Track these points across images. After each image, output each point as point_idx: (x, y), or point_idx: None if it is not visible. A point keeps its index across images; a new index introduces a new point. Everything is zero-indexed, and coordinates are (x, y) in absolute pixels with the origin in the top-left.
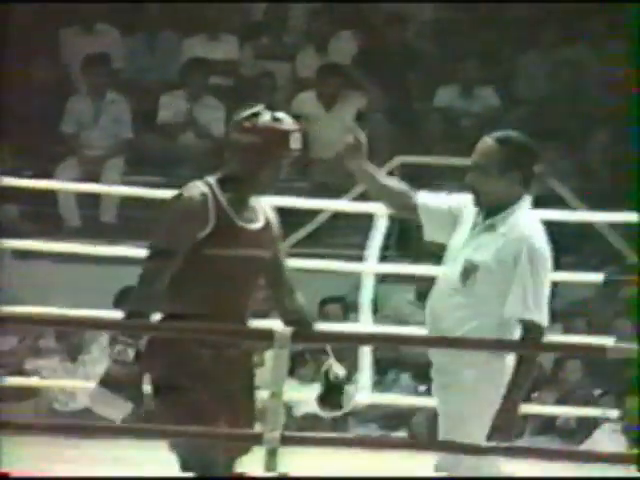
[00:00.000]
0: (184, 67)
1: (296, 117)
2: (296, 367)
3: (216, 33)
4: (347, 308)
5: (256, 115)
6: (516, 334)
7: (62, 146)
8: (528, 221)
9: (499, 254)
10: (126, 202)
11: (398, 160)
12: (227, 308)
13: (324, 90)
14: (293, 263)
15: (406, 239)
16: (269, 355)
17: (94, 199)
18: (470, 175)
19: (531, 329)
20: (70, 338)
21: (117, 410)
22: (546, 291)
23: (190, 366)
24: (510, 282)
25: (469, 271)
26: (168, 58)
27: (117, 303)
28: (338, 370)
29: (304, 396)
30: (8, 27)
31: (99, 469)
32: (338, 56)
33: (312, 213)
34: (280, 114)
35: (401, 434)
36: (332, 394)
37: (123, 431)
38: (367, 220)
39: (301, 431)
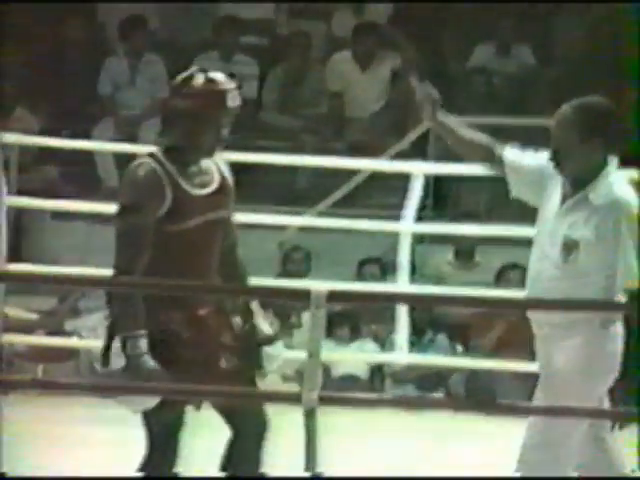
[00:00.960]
0: (216, 26)
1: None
2: (333, 328)
3: None
4: (385, 269)
5: (190, 78)
6: None
7: (99, 107)
8: (620, 187)
9: (598, 227)
10: None
11: None
12: (197, 274)
13: (360, 50)
14: (331, 223)
15: (443, 199)
16: (306, 316)
17: (131, 159)
18: (552, 146)
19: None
20: None
21: (146, 401)
22: None
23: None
24: (614, 252)
25: (570, 248)
26: (203, 18)
27: None
28: (264, 328)
29: (341, 357)
30: None
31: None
32: (374, 15)
33: (348, 173)
34: (214, 74)
35: (438, 395)
36: (253, 354)
37: (166, 391)
38: (404, 180)
39: (339, 392)
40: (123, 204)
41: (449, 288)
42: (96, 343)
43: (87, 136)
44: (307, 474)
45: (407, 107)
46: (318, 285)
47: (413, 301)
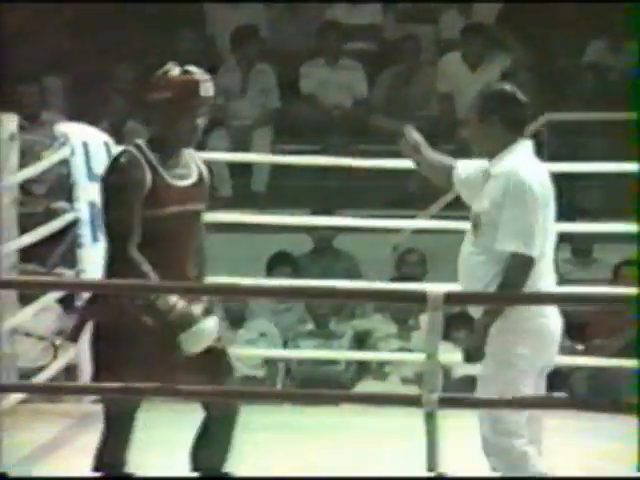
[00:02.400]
0: (320, 32)
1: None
2: (451, 330)
3: None
4: None
5: (166, 72)
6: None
7: (211, 117)
8: (516, 160)
9: (492, 197)
10: (276, 170)
11: (545, 118)
12: (174, 262)
13: (469, 50)
14: (445, 225)
15: (557, 197)
16: (423, 318)
17: (245, 168)
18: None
19: (514, 259)
20: (234, 305)
21: (212, 335)
22: (534, 222)
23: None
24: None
25: (476, 221)
26: (311, 25)
27: (269, 270)
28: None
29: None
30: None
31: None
32: (482, 16)
33: None
34: (189, 67)
35: (560, 394)
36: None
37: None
38: None
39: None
40: (106, 187)
41: (567, 286)
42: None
43: (201, 147)
44: (430, 475)
45: None
46: (434, 287)
47: (530, 301)
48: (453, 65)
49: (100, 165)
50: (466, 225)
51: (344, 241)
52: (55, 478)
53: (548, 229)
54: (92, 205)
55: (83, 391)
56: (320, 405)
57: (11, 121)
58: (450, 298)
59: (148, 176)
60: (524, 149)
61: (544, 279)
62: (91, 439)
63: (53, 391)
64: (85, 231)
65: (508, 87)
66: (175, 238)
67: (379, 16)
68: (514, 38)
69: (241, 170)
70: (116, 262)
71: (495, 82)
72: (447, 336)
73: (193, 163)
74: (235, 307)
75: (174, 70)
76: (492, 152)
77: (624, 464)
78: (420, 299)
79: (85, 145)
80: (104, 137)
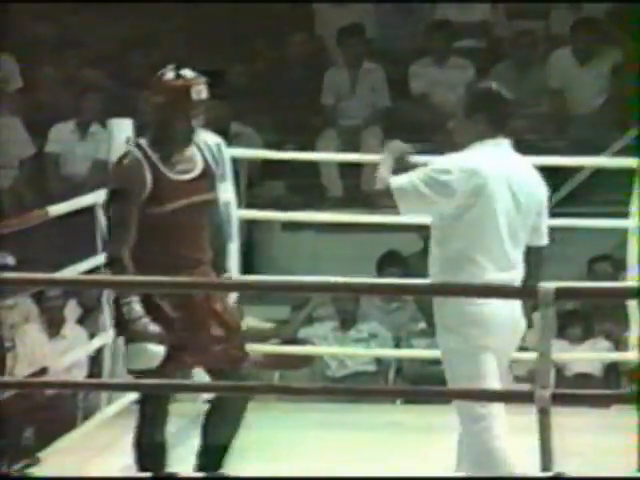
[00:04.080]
0: (428, 30)
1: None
2: (565, 327)
3: None
4: (617, 266)
5: (161, 76)
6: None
7: (321, 118)
8: (464, 152)
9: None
10: None
11: None
12: (185, 253)
13: (579, 46)
14: (556, 222)
15: None
16: (536, 315)
17: (355, 168)
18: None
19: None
20: (346, 306)
21: (153, 358)
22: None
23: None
24: None
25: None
26: (420, 24)
27: (379, 269)
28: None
29: (574, 356)
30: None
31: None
32: (591, 11)
33: (571, 171)
34: (183, 71)
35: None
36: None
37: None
38: (627, 176)
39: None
40: (109, 190)
41: None
42: (328, 350)
43: (311, 147)
44: (545, 474)
45: (629, 102)
46: (546, 283)
47: None
48: (563, 61)
49: (228, 166)
50: (580, 222)
51: None
52: (56, 478)
53: (498, 224)
54: (226, 205)
55: (196, 389)
56: (431, 403)
57: (126, 125)
58: (561, 293)
59: (149, 175)
60: (490, 147)
61: (489, 273)
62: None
63: (168, 389)
64: None
65: (494, 85)
66: (184, 230)
67: (488, 13)
68: (624, 32)
69: (351, 170)
70: (107, 261)
71: (481, 80)
72: (561, 334)
73: (198, 154)
74: (347, 308)
75: (168, 74)
76: (468, 146)
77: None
78: (531, 295)
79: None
80: (216, 139)
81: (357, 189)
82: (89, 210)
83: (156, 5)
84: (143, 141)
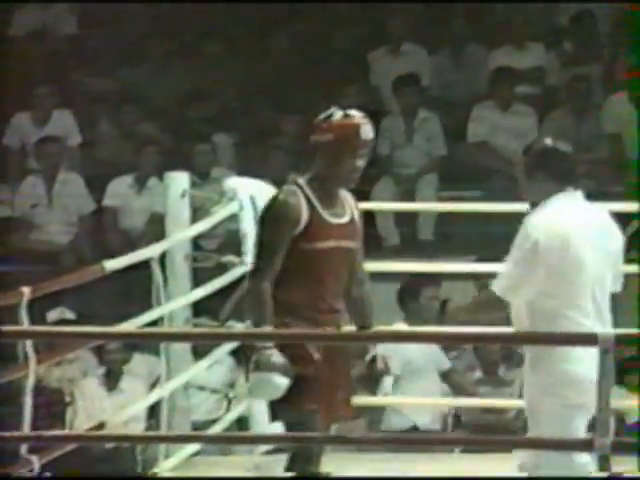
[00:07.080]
0: (492, 78)
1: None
2: (624, 374)
3: (522, 42)
4: None
5: (330, 116)
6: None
7: (377, 167)
8: (541, 212)
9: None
10: (443, 218)
11: None
12: (322, 292)
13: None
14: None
15: None
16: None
17: (411, 217)
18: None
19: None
20: None
21: (277, 390)
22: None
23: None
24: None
25: None
26: (475, 72)
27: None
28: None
29: (634, 403)
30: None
31: None
32: None
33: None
34: (351, 111)
35: None
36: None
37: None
38: None
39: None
40: (264, 218)
41: None
42: (387, 400)
43: (367, 197)
44: None
45: None
46: (605, 329)
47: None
48: (620, 105)
49: None
50: None
51: None
52: (56, 478)
53: (582, 276)
54: None
55: (256, 440)
56: (492, 452)
57: (182, 178)
58: (621, 339)
59: (305, 213)
60: (563, 200)
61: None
62: None
63: (225, 441)
64: None
65: (549, 142)
66: (327, 270)
67: (543, 59)
68: None
69: (408, 218)
70: (247, 290)
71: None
72: (620, 381)
73: (347, 203)
74: None
75: (336, 114)
76: (537, 204)
77: None
78: (591, 341)
79: (252, 199)
80: (271, 190)
81: (413, 237)
82: (145, 263)
83: (211, 59)
84: (301, 180)
